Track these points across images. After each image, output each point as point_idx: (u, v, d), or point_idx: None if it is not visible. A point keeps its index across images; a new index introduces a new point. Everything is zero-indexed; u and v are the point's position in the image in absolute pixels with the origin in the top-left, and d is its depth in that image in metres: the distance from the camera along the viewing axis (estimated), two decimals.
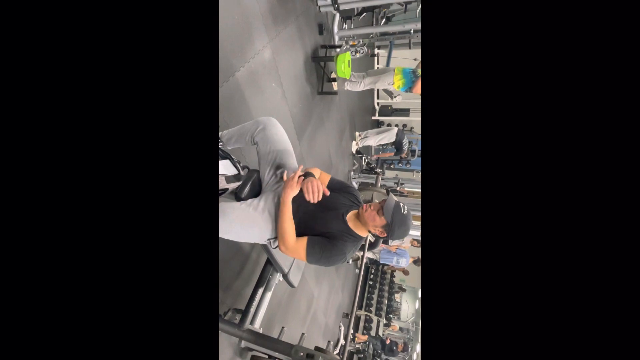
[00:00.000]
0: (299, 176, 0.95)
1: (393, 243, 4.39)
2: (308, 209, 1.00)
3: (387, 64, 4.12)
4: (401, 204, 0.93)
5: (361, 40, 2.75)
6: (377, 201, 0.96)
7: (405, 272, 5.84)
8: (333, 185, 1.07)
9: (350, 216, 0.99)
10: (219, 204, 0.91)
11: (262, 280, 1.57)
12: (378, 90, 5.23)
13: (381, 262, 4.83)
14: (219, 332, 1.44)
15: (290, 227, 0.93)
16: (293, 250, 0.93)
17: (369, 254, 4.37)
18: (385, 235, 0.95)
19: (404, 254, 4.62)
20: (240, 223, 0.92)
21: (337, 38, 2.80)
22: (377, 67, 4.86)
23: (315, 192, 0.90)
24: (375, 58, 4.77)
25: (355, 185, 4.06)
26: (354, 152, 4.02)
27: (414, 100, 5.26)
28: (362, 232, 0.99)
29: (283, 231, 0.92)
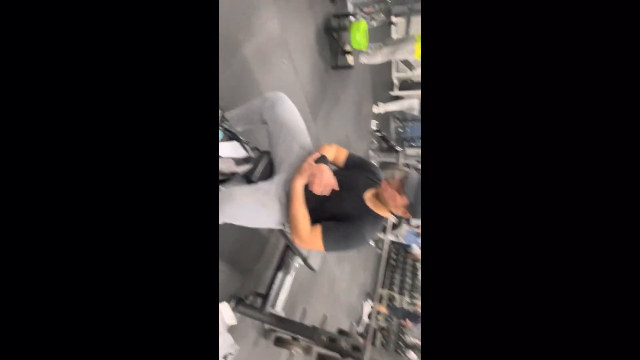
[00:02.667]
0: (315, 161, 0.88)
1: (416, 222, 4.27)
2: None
3: (407, 32, 3.81)
4: None
5: (377, 6, 2.53)
6: (397, 178, 0.86)
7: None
8: (350, 162, 0.98)
9: (368, 195, 0.91)
10: (228, 189, 0.86)
11: (282, 265, 1.55)
12: (397, 62, 4.91)
13: (406, 243, 4.74)
14: (243, 315, 1.45)
15: (303, 218, 0.86)
16: (308, 242, 0.86)
17: (391, 237, 4.29)
18: (409, 215, 0.86)
19: None
20: (250, 208, 0.87)
21: (350, 6, 2.58)
22: (395, 37, 4.54)
23: (322, 184, 0.83)
24: (393, 27, 4.44)
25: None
26: (376, 118, 3.85)
27: None
28: (382, 212, 0.90)
29: (296, 222, 0.85)
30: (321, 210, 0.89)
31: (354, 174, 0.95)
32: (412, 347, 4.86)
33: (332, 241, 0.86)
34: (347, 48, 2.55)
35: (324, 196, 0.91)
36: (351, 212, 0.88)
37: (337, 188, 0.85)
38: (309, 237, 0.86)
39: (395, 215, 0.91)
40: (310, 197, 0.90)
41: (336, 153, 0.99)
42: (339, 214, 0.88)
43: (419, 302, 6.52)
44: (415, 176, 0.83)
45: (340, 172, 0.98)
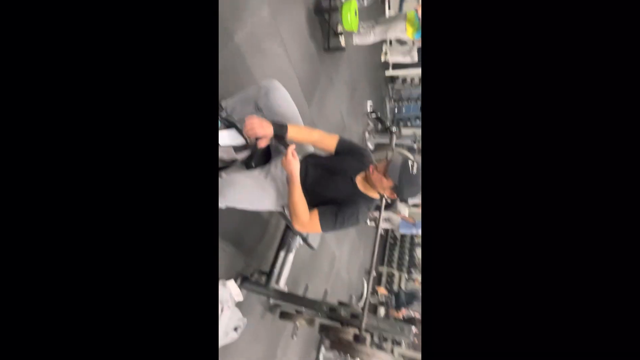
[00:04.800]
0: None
1: (403, 211, 4.31)
2: (316, 176, 0.99)
3: (400, 9, 3.73)
4: (409, 162, 0.88)
5: None
6: (383, 162, 0.92)
7: None
8: (341, 148, 1.04)
9: (359, 179, 0.98)
10: (229, 175, 0.92)
11: (283, 244, 1.65)
12: (391, 42, 4.83)
13: (400, 232, 4.82)
14: (249, 292, 1.56)
15: (302, 205, 0.93)
16: (308, 226, 0.94)
17: (386, 225, 4.37)
18: (396, 196, 0.93)
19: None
20: (251, 192, 0.94)
21: None
22: (389, 15, 4.45)
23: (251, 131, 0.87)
24: (386, 3, 4.34)
25: (371, 147, 3.97)
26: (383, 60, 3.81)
27: None
28: (373, 194, 0.98)
29: (296, 210, 0.92)
30: (316, 194, 0.96)
31: (345, 158, 1.01)
32: (410, 320, 5.08)
33: (328, 224, 0.94)
34: (339, 29, 2.53)
35: (320, 181, 0.97)
36: (344, 196, 0.95)
37: (267, 135, 0.90)
38: (308, 223, 0.94)
39: (382, 197, 0.98)
40: (305, 182, 0.96)
41: (322, 139, 1.02)
42: (334, 198, 0.96)
43: (416, 277, 6.75)
44: (399, 159, 0.90)
45: (331, 158, 1.04)
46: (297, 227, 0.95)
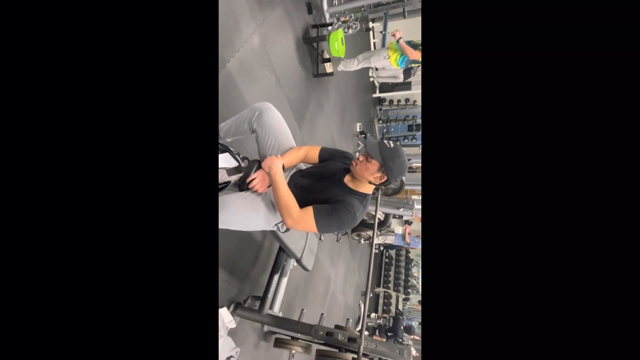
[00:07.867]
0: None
1: (397, 230, 4.45)
2: (303, 184, 1.01)
3: (383, 44, 3.92)
4: (385, 141, 0.93)
5: (353, 15, 2.65)
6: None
7: None
8: (324, 156, 1.08)
9: (347, 178, 0.99)
10: (221, 197, 0.92)
11: (277, 267, 1.61)
12: (376, 67, 5.07)
13: (395, 244, 4.92)
14: (242, 319, 1.50)
15: (289, 197, 0.92)
16: (300, 220, 0.90)
17: (381, 240, 4.42)
18: (386, 178, 0.92)
19: (418, 241, 4.78)
20: (243, 212, 0.93)
21: (327, 16, 2.70)
22: (373, 42, 4.71)
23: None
24: (371, 32, 4.60)
25: None
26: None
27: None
28: (364, 189, 0.97)
29: (284, 203, 0.91)
30: (310, 201, 0.95)
31: (330, 163, 1.05)
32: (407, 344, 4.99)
33: (323, 220, 0.89)
34: (326, 56, 2.66)
35: (308, 188, 0.99)
36: (336, 196, 0.95)
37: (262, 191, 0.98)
38: (301, 216, 0.90)
39: (375, 185, 0.97)
40: (296, 191, 0.97)
41: (307, 153, 1.07)
42: (327, 200, 0.95)
43: (413, 298, 6.62)
44: (373, 140, 0.93)
45: (317, 166, 1.07)
46: (288, 222, 0.91)
